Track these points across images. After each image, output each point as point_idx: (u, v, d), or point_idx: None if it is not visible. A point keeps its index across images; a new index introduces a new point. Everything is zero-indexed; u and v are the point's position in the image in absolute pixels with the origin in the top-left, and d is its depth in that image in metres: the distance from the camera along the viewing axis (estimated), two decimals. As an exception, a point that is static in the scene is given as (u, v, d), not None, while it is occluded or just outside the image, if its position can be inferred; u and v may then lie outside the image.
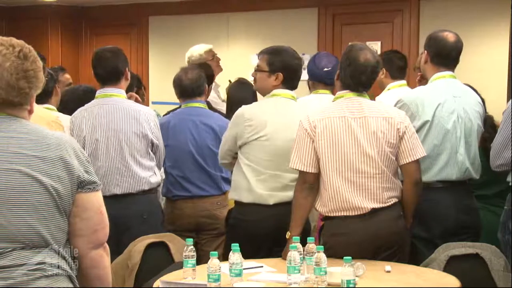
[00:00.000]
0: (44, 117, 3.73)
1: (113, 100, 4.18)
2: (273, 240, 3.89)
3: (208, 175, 4.61)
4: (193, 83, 4.66)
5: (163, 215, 4.39)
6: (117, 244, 3.82)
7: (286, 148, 3.87)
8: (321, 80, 4.62)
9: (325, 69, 4.60)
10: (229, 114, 4.79)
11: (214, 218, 4.60)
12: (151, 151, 4.22)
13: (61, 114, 4.69)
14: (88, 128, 4.14)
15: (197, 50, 6.20)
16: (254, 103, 4.24)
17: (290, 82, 4.04)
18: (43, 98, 4.56)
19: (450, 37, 4.06)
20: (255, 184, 3.95)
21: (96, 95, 4.25)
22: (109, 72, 4.19)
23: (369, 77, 3.64)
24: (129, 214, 4.09)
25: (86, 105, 4.29)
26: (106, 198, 4.08)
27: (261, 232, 3.91)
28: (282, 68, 4.01)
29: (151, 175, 4.20)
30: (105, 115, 4.14)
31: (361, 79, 3.62)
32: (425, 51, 4.11)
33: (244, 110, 4.06)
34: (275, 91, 4.04)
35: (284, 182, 3.93)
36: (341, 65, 3.70)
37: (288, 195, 3.87)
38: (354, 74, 3.62)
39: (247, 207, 4.00)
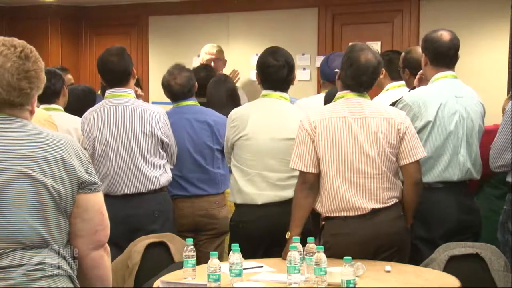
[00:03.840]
0: (36, 116, 3.74)
1: (122, 100, 4.20)
2: (269, 241, 3.90)
3: (206, 173, 4.61)
4: (184, 87, 4.69)
5: (174, 213, 4.40)
6: (129, 243, 3.85)
7: (269, 148, 3.91)
8: (330, 80, 4.61)
9: (336, 70, 4.58)
10: None
11: (212, 218, 4.61)
12: (162, 149, 4.24)
13: (65, 113, 4.70)
14: (98, 129, 4.17)
15: (208, 49, 6.29)
16: (245, 104, 4.26)
17: (268, 83, 4.06)
18: (51, 99, 4.59)
19: (445, 36, 4.05)
20: (243, 184, 3.99)
21: (106, 95, 4.28)
22: (117, 76, 4.22)
23: (370, 77, 3.63)
24: (140, 213, 4.13)
25: (95, 106, 4.34)
26: (117, 198, 4.15)
27: (255, 233, 3.92)
28: (257, 67, 4.09)
29: (162, 173, 4.22)
30: (114, 115, 4.17)
31: (362, 80, 3.62)
32: (423, 54, 4.10)
33: (232, 112, 4.15)
34: (264, 92, 4.09)
35: (271, 181, 3.95)
36: (342, 65, 3.69)
37: (277, 194, 3.91)
38: (355, 75, 3.62)
39: (240, 208, 4.05)
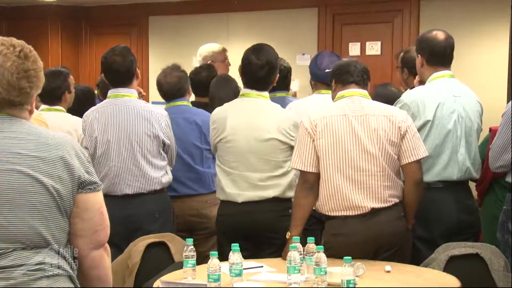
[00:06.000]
0: None
1: (124, 100, 4.19)
2: (244, 235, 3.92)
3: (195, 172, 4.62)
4: (173, 87, 4.73)
5: (174, 213, 4.41)
6: (128, 243, 3.85)
7: (249, 149, 3.95)
8: (322, 81, 4.59)
9: (327, 70, 4.58)
10: (210, 111, 4.81)
11: (204, 217, 4.61)
12: (163, 150, 4.24)
13: (67, 114, 4.69)
14: (100, 128, 4.16)
15: (211, 47, 6.11)
16: (224, 105, 4.24)
17: (247, 80, 4.07)
18: (53, 100, 4.57)
19: (439, 35, 4.06)
20: (225, 184, 4.03)
21: (108, 95, 4.27)
22: (120, 76, 4.20)
23: (358, 68, 3.70)
24: (140, 213, 4.13)
25: (97, 105, 4.33)
26: (118, 198, 4.14)
27: (233, 226, 3.97)
28: (241, 65, 4.11)
29: (163, 174, 4.22)
30: (117, 115, 4.16)
31: (350, 69, 3.70)
32: (419, 55, 4.10)
33: (213, 113, 4.18)
34: (242, 91, 4.11)
35: (253, 182, 3.97)
36: (331, 72, 3.83)
37: (257, 194, 3.96)
38: (343, 68, 3.73)
39: (222, 204, 4.10)
